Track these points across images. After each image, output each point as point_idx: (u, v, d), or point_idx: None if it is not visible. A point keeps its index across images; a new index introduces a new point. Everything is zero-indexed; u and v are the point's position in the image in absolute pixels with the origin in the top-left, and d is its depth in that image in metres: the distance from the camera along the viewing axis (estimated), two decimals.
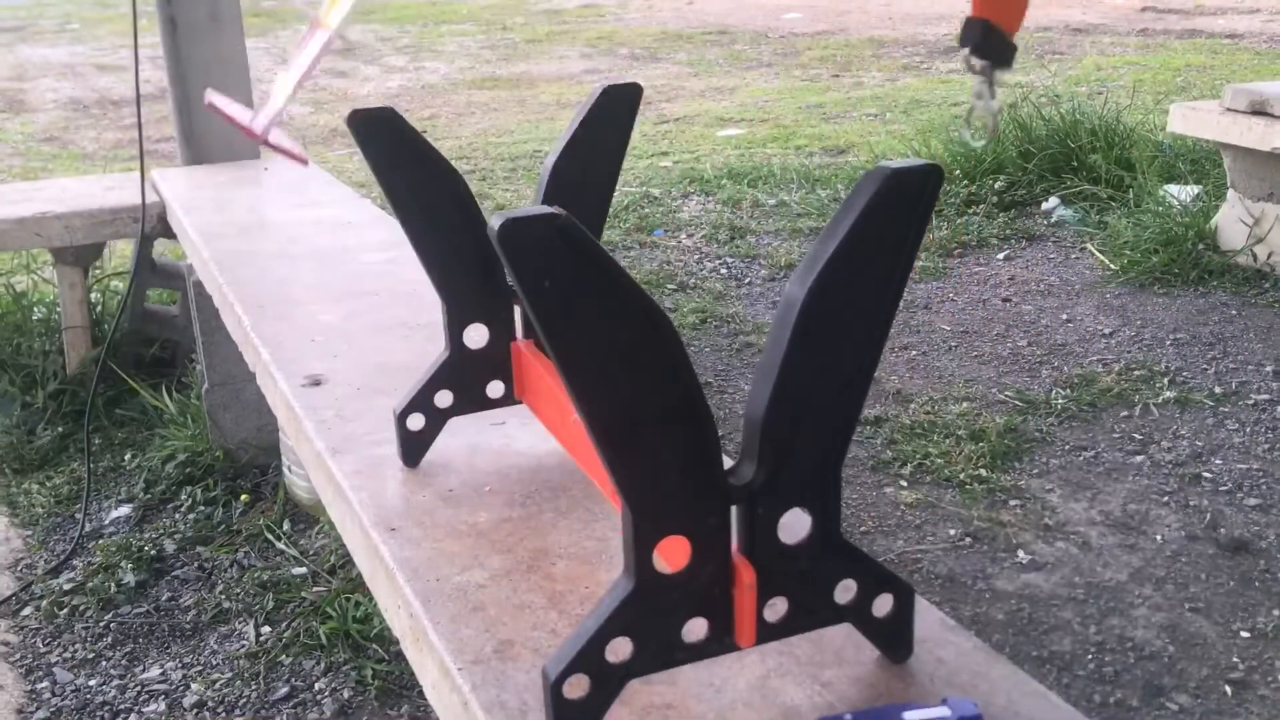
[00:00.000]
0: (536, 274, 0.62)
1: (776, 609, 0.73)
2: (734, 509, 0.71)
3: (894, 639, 0.78)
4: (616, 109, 0.98)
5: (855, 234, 0.65)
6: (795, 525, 0.71)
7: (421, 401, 1.05)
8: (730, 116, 5.97)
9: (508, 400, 1.08)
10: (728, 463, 0.72)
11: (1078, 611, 1.86)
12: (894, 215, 0.65)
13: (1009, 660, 0.81)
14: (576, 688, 0.71)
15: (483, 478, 1.06)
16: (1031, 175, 3.98)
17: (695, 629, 0.72)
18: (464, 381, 1.05)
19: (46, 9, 11.23)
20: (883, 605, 0.76)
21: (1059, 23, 8.23)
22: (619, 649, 0.70)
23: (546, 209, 0.62)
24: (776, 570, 0.71)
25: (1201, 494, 2.17)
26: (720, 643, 0.73)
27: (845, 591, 0.74)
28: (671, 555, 0.69)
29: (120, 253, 3.36)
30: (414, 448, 1.07)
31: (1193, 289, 3.15)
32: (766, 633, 0.73)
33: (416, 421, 1.06)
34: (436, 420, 1.07)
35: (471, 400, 1.07)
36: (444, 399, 1.06)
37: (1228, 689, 1.68)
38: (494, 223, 0.61)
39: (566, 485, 1.03)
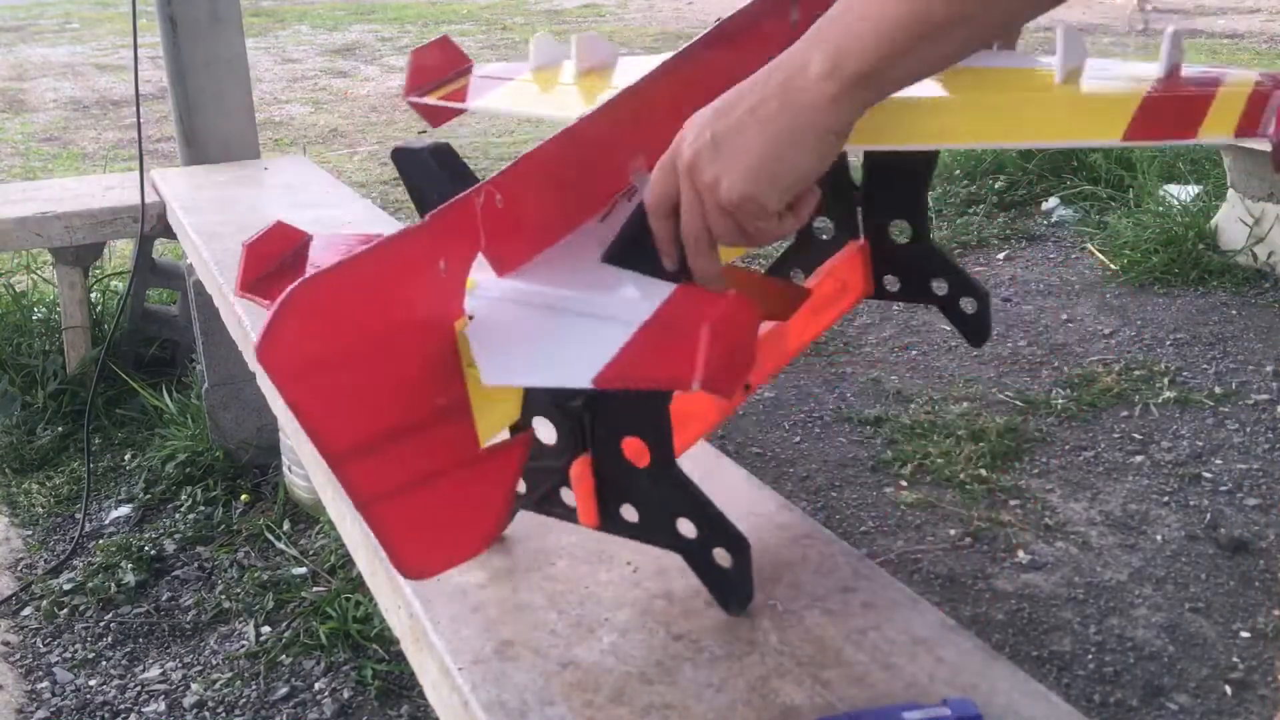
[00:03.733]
0: (422, 191, 0.77)
1: (629, 514, 0.84)
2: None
3: (729, 590, 0.85)
4: None
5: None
6: (642, 451, 0.81)
7: None
8: None
9: None
10: None
11: (1078, 611, 1.86)
12: None
13: (1009, 660, 0.81)
14: None
15: None
16: (1031, 175, 3.98)
17: (568, 497, 0.86)
18: None
19: (46, 9, 11.23)
20: (723, 557, 0.83)
21: (1059, 23, 8.23)
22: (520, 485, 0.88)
23: (431, 140, 0.78)
24: (622, 482, 0.83)
25: (1201, 494, 2.17)
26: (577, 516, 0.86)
27: (687, 529, 0.82)
28: (545, 433, 0.85)
29: (120, 252, 3.37)
30: None
31: (1193, 289, 3.15)
32: (622, 529, 0.85)
33: None
34: None
35: None
36: None
37: (1228, 689, 1.68)
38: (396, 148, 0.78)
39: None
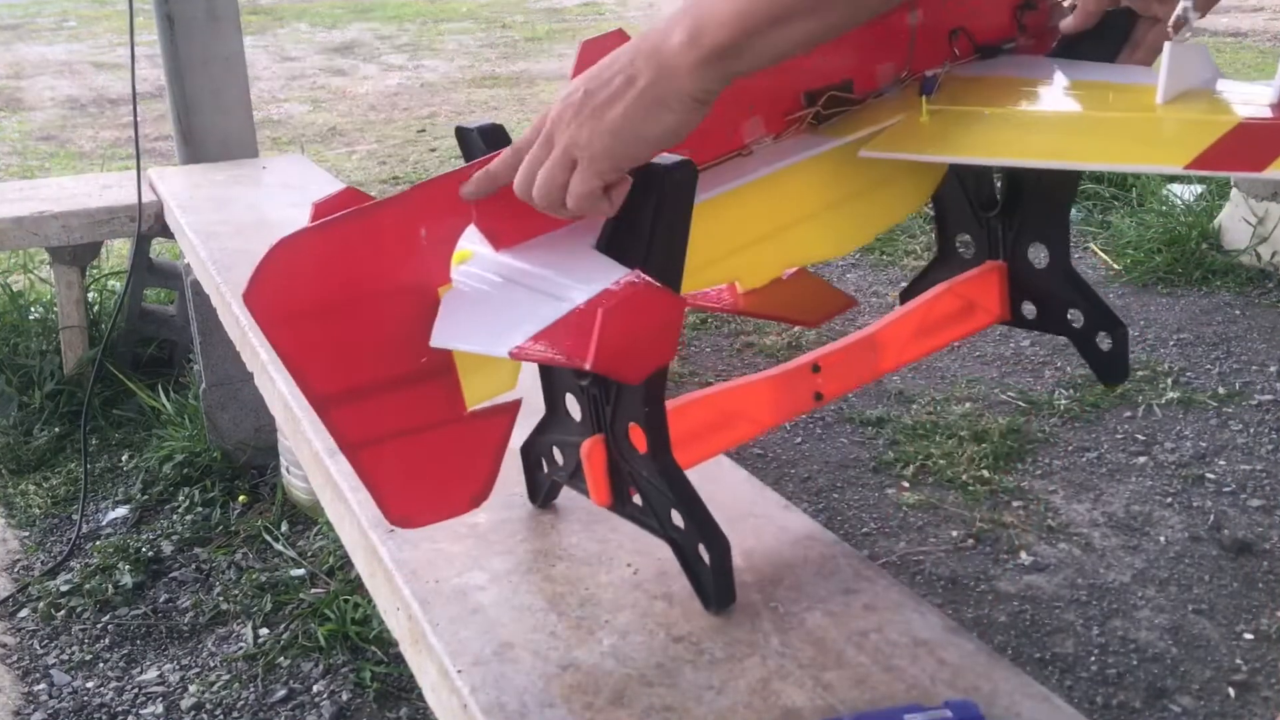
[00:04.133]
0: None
1: (636, 499, 0.86)
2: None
3: (707, 587, 0.86)
4: None
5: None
6: (641, 437, 0.83)
7: None
8: None
9: None
10: None
11: (1080, 613, 1.85)
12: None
13: (1011, 662, 0.80)
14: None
15: None
16: None
17: None
18: None
19: (44, 7, 11.23)
20: (705, 554, 0.84)
21: (1171, 42, 8.22)
22: (554, 456, 0.93)
23: (488, 122, 0.82)
24: (629, 468, 0.84)
25: (1205, 495, 2.16)
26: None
27: (678, 520, 0.84)
28: (573, 409, 0.88)
29: (118, 252, 3.36)
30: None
31: (1196, 289, 3.14)
32: (628, 510, 0.87)
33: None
34: None
35: None
36: None
37: (1231, 691, 1.68)
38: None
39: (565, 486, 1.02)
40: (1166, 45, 0.83)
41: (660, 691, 0.77)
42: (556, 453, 0.93)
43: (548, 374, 0.90)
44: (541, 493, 1.00)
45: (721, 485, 1.02)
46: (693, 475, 0.84)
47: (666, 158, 0.75)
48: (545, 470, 0.97)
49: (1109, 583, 1.92)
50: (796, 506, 0.99)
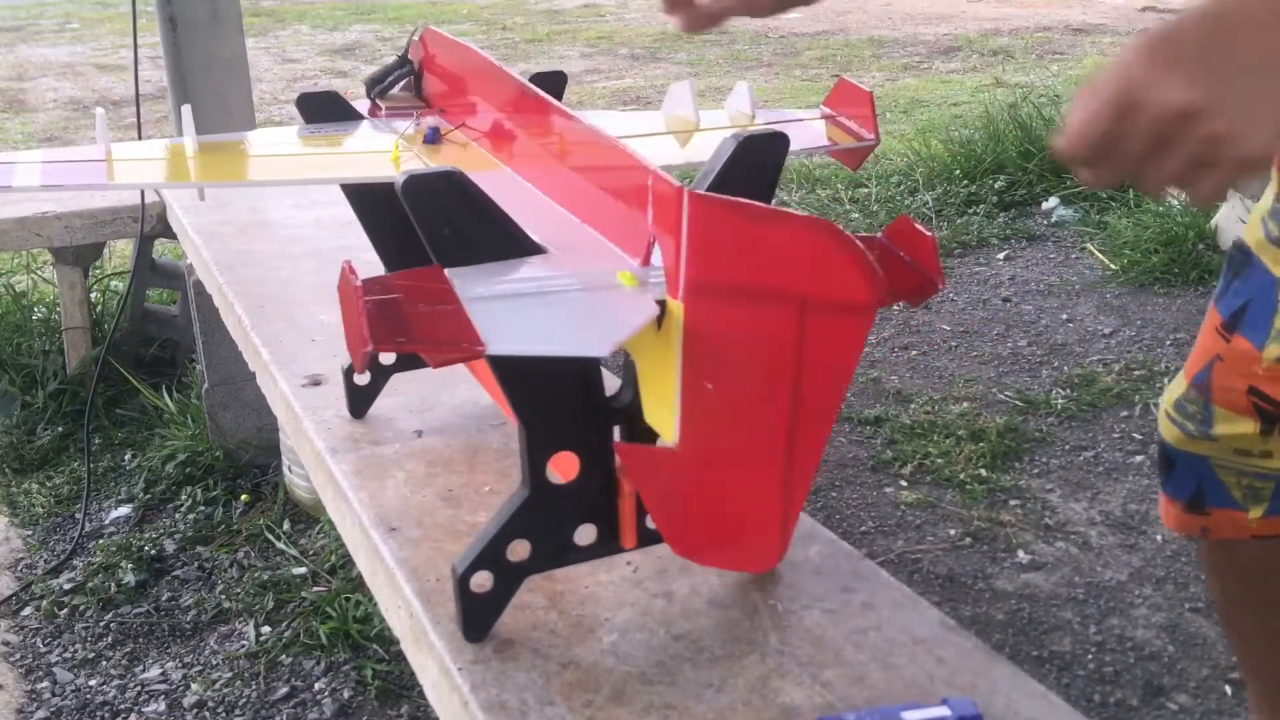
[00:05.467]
0: (434, 221, 0.72)
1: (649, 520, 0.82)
2: (616, 428, 0.80)
3: None
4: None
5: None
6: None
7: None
8: None
9: None
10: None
11: (1078, 611, 1.86)
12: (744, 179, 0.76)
13: (1009, 660, 0.81)
14: (481, 583, 0.80)
15: (483, 478, 1.06)
16: (1031, 175, 3.98)
17: (585, 534, 0.81)
18: None
19: (46, 8, 11.23)
20: None
21: (1059, 23, 8.23)
22: (518, 549, 0.80)
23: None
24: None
25: None
26: (607, 545, 0.83)
27: None
28: (563, 468, 0.79)
29: (120, 252, 3.36)
30: (360, 401, 1.18)
31: (1193, 289, 3.15)
32: (646, 537, 0.83)
33: (363, 379, 1.18)
34: (381, 376, 1.18)
35: (413, 359, 1.16)
36: (387, 358, 1.17)
37: (1227, 689, 1.68)
38: (398, 179, 0.72)
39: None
40: None
41: (660, 689, 0.78)
42: (525, 545, 0.80)
43: (542, 440, 0.78)
44: (499, 613, 0.84)
45: None
46: None
47: None
48: (497, 583, 0.81)
49: (1106, 581, 1.93)
50: None
